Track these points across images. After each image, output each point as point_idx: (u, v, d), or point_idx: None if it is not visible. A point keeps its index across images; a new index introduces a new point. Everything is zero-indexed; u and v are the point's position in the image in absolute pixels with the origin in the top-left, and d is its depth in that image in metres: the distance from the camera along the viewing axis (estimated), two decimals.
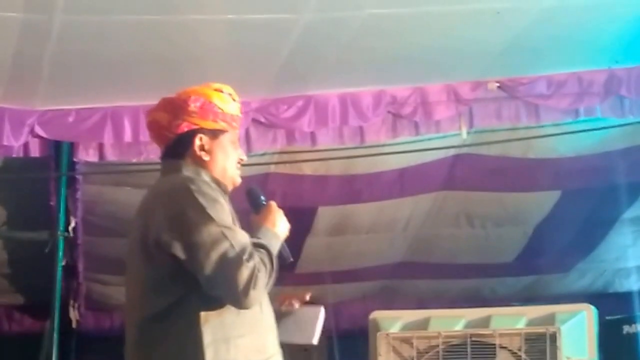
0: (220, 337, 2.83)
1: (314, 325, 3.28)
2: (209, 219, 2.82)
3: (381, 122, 5.88)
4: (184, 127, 3.01)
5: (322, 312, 3.28)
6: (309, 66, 5.51)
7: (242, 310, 2.85)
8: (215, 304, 2.84)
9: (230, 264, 2.77)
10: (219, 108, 3.05)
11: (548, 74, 5.84)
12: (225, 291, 2.80)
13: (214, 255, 2.77)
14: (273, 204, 3.08)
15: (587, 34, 5.37)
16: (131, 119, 5.61)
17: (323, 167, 6.60)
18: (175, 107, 3.03)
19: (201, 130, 3.02)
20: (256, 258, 2.82)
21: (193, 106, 3.02)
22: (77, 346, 7.02)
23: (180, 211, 2.82)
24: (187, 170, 3.00)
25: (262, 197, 3.11)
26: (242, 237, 2.86)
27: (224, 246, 2.79)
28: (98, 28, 4.87)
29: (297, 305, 3.28)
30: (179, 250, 2.79)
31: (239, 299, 2.79)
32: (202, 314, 2.83)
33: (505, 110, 5.93)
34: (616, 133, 6.32)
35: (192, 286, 2.81)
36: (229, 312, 2.85)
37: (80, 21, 4.79)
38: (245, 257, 2.79)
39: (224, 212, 2.87)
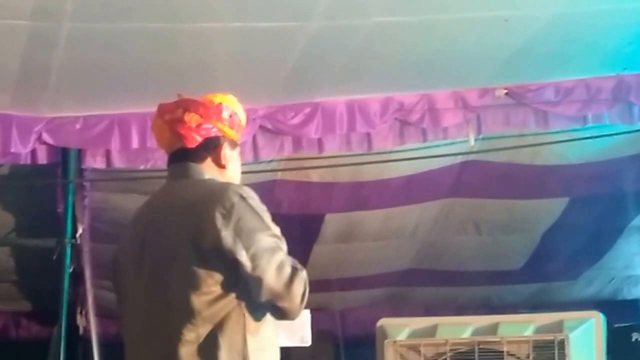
0: (257, 347, 2.84)
1: (305, 328, 3.35)
2: (265, 226, 2.84)
3: (388, 129, 5.87)
4: (213, 133, 3.01)
5: (308, 315, 3.34)
6: (316, 73, 5.50)
7: (270, 322, 2.88)
8: (260, 312, 2.86)
9: (289, 274, 2.82)
10: (240, 120, 3.09)
11: (556, 80, 5.82)
12: (283, 301, 2.82)
13: (273, 265, 2.80)
14: None
15: (595, 40, 5.36)
16: (138, 126, 5.60)
17: (330, 174, 6.59)
18: (208, 110, 3.01)
19: (225, 138, 3.04)
20: (304, 269, 2.87)
21: (225, 113, 3.03)
22: (84, 353, 7.01)
23: (238, 217, 2.81)
24: (208, 175, 3.00)
25: None
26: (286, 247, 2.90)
27: (280, 256, 2.82)
28: (105, 36, 4.87)
29: None
30: (243, 257, 2.78)
31: (295, 310, 2.84)
32: (248, 322, 2.83)
33: (513, 117, 5.91)
34: (624, 140, 6.30)
35: (244, 294, 2.82)
36: (263, 322, 2.87)
37: (87, 29, 4.79)
38: (298, 267, 2.85)
39: (270, 220, 2.90)
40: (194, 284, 2.81)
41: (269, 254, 2.80)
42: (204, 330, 2.81)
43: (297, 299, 2.82)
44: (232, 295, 2.82)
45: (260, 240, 2.80)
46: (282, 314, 2.87)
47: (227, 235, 2.79)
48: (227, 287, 2.81)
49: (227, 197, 2.85)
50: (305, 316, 3.35)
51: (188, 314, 2.82)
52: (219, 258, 2.80)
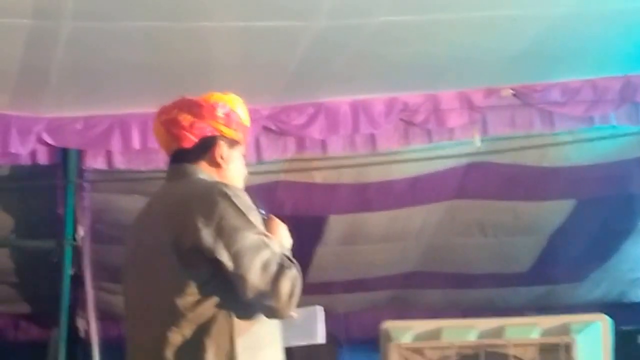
0: (249, 346, 2.80)
1: (315, 324, 3.29)
2: (250, 225, 2.79)
3: (393, 130, 5.84)
4: (208, 132, 2.98)
5: (320, 311, 3.27)
6: (320, 73, 5.47)
7: (266, 322, 2.84)
8: (248, 312, 2.81)
9: (275, 272, 2.76)
10: (240, 119, 3.04)
11: (563, 80, 5.80)
12: (269, 300, 2.78)
13: (258, 263, 2.75)
14: (275, 218, 3.05)
15: (602, 41, 5.34)
16: (139, 127, 5.57)
17: (334, 175, 6.55)
18: (201, 109, 2.99)
19: (222, 137, 3.00)
20: (293, 267, 2.81)
21: (220, 112, 3.00)
22: (84, 356, 6.98)
23: (220, 216, 2.78)
24: (203, 175, 2.96)
25: (263, 211, 3.07)
26: (277, 246, 2.84)
27: (266, 254, 2.77)
28: (106, 35, 4.84)
29: None
30: (224, 257, 2.75)
31: (282, 308, 2.79)
32: (236, 323, 2.80)
33: (519, 117, 5.88)
34: (632, 141, 6.27)
35: (229, 294, 2.78)
36: (257, 323, 2.83)
37: (88, 28, 4.76)
38: (286, 265, 2.79)
39: (259, 219, 2.86)
40: (177, 286, 2.79)
41: (252, 252, 2.75)
42: (189, 332, 2.78)
43: (284, 297, 2.76)
44: (218, 296, 2.79)
45: (244, 238, 2.76)
46: (270, 313, 2.83)
47: (207, 234, 2.76)
48: (212, 287, 2.79)
49: (209, 196, 2.82)
50: (315, 313, 3.28)
51: (172, 316, 2.79)
52: (200, 258, 2.77)
